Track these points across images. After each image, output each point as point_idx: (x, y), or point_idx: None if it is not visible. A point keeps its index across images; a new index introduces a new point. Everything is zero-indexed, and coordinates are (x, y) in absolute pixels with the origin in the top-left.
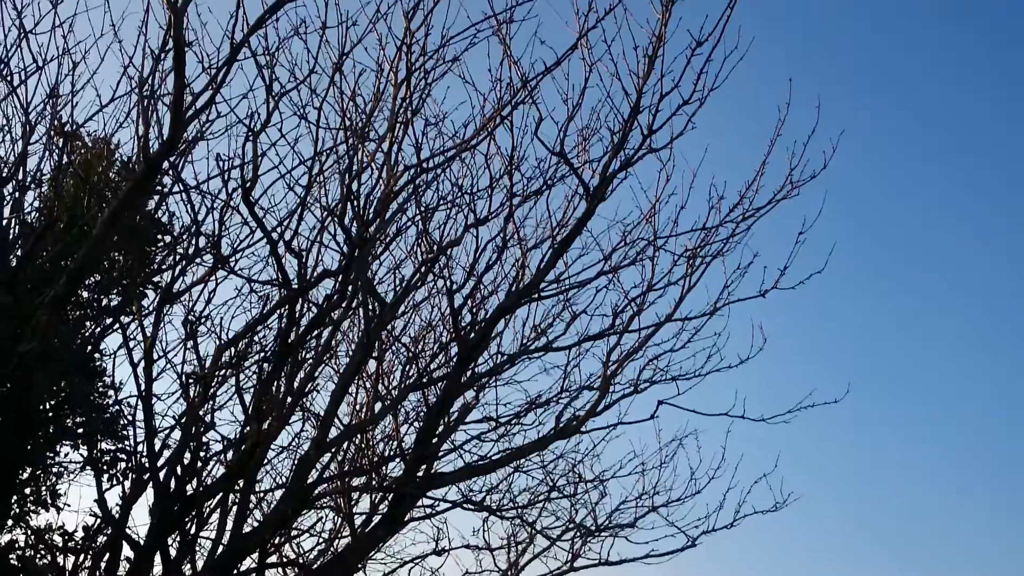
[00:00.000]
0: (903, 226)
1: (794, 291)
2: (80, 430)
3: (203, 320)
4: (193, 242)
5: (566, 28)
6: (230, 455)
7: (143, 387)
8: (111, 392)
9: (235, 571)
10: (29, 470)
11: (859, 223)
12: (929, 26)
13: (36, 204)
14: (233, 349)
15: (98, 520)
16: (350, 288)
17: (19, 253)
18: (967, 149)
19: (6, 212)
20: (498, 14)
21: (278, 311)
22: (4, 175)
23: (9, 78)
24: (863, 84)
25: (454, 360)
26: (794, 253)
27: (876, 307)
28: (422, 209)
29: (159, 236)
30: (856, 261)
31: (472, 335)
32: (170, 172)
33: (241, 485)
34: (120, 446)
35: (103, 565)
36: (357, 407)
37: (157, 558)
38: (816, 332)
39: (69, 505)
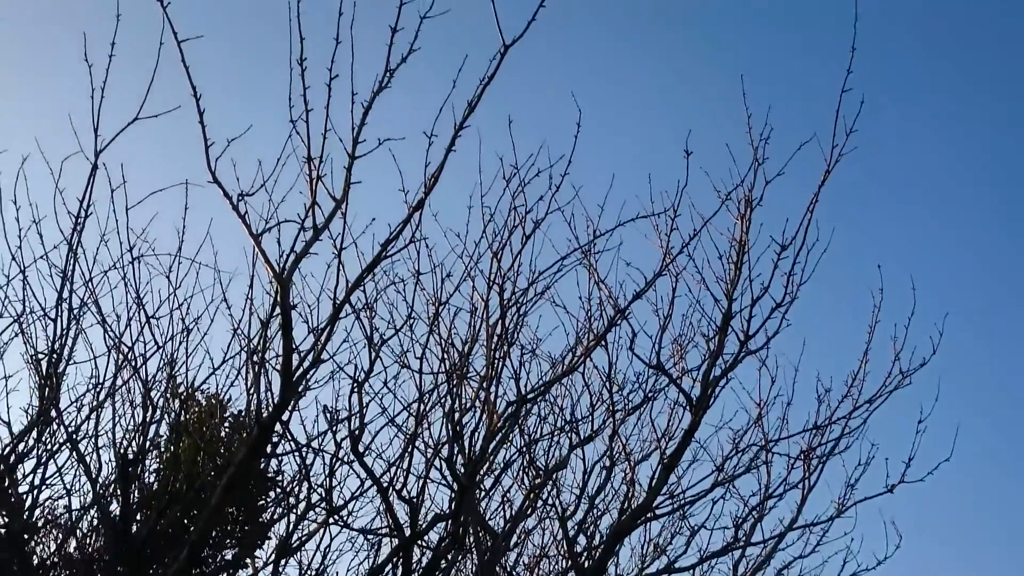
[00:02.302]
0: None
1: (923, 483)
2: None
3: (319, 574)
4: (305, 495)
5: (647, 242)
6: None
7: None
8: None
9: None
10: None
11: (980, 399)
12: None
13: (153, 467)
14: None
15: None
16: (461, 528)
17: (140, 522)
18: None
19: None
20: (583, 246)
21: (391, 559)
22: (133, 457)
23: (134, 361)
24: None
25: None
26: (916, 443)
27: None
28: (527, 438)
29: (270, 490)
30: (984, 438)
31: (589, 562)
32: (281, 429)
33: None
34: None
35: None
36: None
37: None
38: (955, 517)
39: None
